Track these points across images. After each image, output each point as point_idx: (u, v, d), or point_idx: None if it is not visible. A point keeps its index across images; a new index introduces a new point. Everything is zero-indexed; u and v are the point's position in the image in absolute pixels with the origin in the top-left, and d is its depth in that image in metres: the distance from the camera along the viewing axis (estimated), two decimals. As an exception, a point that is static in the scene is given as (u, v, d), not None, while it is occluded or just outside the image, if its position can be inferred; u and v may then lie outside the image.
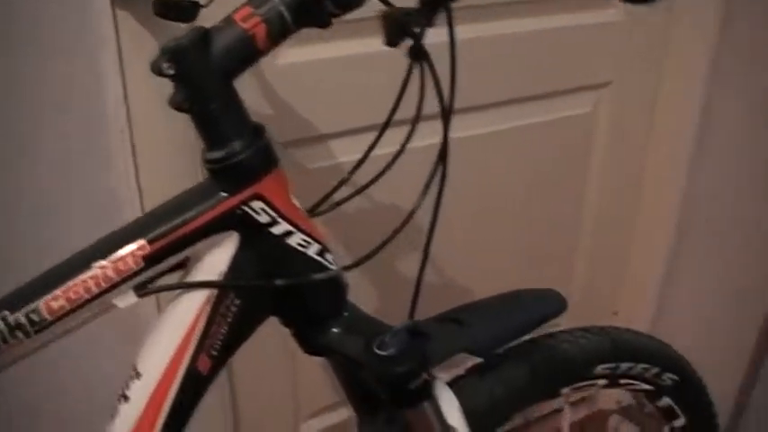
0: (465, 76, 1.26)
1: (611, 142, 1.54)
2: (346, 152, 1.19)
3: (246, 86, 1.04)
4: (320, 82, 1.13)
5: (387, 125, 0.79)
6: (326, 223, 1.09)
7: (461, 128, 1.29)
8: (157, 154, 1.04)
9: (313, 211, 0.82)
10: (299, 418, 1.42)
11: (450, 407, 0.81)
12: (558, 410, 1.12)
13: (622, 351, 1.01)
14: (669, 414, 1.17)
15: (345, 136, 1.20)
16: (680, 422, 1.18)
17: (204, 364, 0.71)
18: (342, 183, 0.84)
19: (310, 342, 0.77)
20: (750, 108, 1.57)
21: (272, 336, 1.11)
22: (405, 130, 0.76)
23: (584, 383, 1.00)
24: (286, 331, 0.80)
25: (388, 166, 0.77)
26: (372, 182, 0.79)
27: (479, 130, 1.34)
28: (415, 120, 0.75)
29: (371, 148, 0.80)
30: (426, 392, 0.74)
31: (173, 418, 0.72)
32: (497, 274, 1.39)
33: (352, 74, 1.13)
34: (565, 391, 0.98)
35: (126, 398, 0.71)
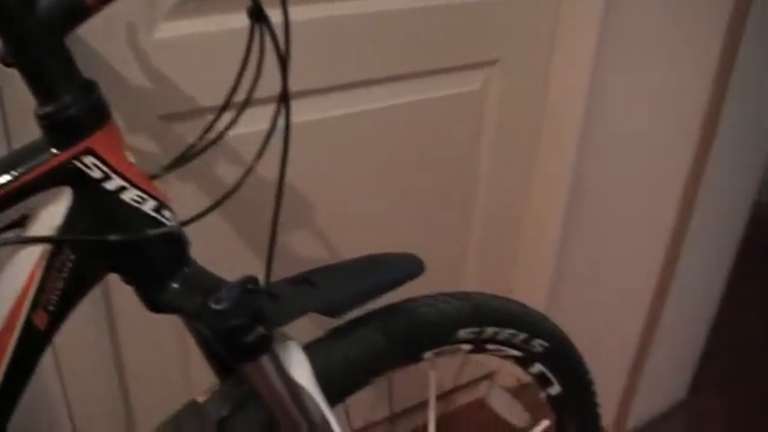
0: (349, 51, 1.29)
1: (502, 120, 1.56)
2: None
3: (124, 60, 1.06)
4: (198, 55, 1.14)
5: (233, 93, 0.82)
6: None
7: (348, 104, 1.31)
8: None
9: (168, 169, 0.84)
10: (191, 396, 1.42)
11: (300, 367, 0.83)
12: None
13: (486, 316, 1.03)
14: (543, 381, 1.19)
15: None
16: (555, 389, 1.21)
17: (41, 319, 0.72)
18: (191, 146, 0.85)
19: (151, 299, 0.78)
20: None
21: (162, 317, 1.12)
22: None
23: (447, 348, 1.01)
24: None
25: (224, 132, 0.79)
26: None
27: (366, 106, 1.36)
28: (252, 88, 0.77)
29: (216, 118, 0.83)
30: (264, 347, 0.76)
31: (12, 373, 0.73)
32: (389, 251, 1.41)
33: (230, 48, 1.15)
34: (427, 355, 0.99)
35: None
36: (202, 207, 0.81)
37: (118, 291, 1.26)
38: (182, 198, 1.09)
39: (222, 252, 1.15)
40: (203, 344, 0.87)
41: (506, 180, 1.69)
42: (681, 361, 2.08)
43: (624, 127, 1.65)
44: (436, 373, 1.06)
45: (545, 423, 1.25)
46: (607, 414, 1.92)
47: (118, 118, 0.76)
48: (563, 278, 1.91)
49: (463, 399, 1.98)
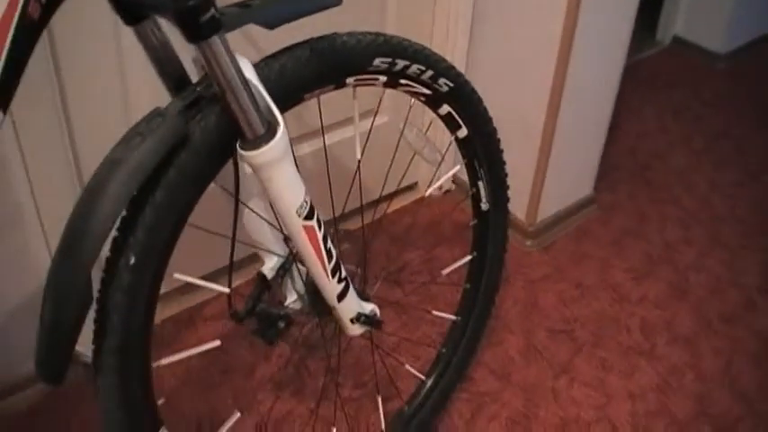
0: None
1: None
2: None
3: None
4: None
5: None
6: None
7: None
8: None
9: None
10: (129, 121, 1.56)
11: (246, 68, 1.00)
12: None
13: (398, 50, 1.20)
14: (452, 123, 1.38)
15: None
16: (463, 132, 1.40)
17: (35, 10, 0.85)
18: None
19: (125, 8, 0.95)
20: None
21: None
22: None
23: (366, 76, 1.20)
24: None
25: None
26: None
27: None
28: None
29: None
30: (215, 27, 0.92)
31: (9, 63, 0.87)
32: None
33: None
34: (349, 81, 1.18)
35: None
36: None
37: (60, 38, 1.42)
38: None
39: None
40: (156, 61, 1.04)
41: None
42: (583, 159, 2.31)
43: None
44: (357, 101, 1.24)
45: (457, 167, 1.45)
46: (519, 208, 2.16)
47: None
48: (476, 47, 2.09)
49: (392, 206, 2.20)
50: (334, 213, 1.31)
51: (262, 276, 1.26)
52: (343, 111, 1.35)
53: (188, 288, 1.88)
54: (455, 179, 2.38)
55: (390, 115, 2.07)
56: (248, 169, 1.09)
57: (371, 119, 1.66)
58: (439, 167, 1.47)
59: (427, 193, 2.13)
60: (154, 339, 1.04)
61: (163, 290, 1.03)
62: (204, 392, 1.71)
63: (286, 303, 1.28)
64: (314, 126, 1.70)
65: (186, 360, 1.69)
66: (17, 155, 1.41)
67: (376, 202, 1.40)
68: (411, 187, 2.32)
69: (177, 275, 1.07)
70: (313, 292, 1.27)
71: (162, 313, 1.85)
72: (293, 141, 1.08)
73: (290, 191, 1.04)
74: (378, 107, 1.42)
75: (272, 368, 1.79)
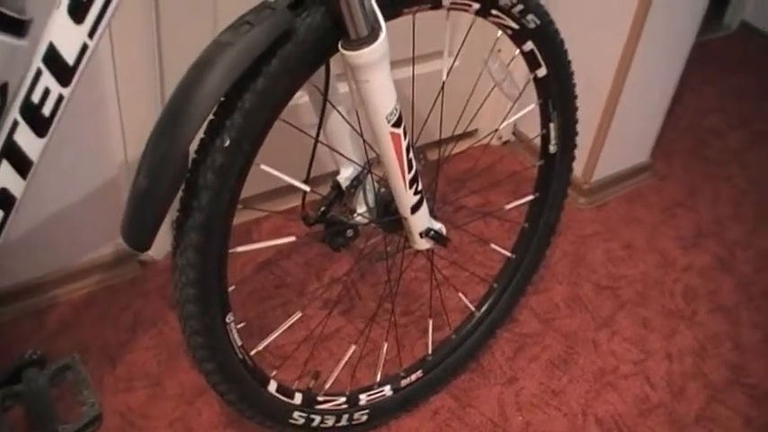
0: None
1: None
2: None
3: None
4: None
5: None
6: None
7: None
8: None
9: None
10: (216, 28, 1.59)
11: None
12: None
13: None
14: (533, 60, 1.41)
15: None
16: (542, 72, 1.43)
17: None
18: None
19: None
20: None
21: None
22: None
23: (461, 0, 1.23)
24: None
25: None
26: None
27: None
28: None
29: None
30: None
31: None
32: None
33: None
34: (445, 2, 1.20)
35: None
36: None
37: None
38: None
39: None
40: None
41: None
42: (644, 125, 2.33)
43: None
44: (449, 23, 1.27)
45: (531, 106, 1.48)
46: (576, 165, 2.18)
47: None
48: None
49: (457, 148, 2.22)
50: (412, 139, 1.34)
51: (336, 184, 1.31)
52: (426, 45, 1.38)
53: (257, 199, 1.93)
54: (515, 131, 2.41)
55: (464, 60, 2.09)
56: (341, 88, 1.12)
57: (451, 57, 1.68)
58: (514, 104, 1.50)
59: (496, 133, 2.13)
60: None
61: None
62: (256, 303, 1.76)
63: (356, 214, 1.32)
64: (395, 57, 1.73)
65: (240, 270, 1.75)
66: (107, 46, 1.46)
67: (439, 143, 1.42)
68: (471, 134, 2.34)
69: (263, 166, 1.11)
70: (384, 206, 1.31)
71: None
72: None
73: (384, 96, 1.08)
74: (465, 39, 1.43)
75: (324, 288, 1.83)
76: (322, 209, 1.28)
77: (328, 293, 1.81)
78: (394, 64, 1.06)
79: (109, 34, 1.45)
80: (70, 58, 0.91)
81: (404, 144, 1.13)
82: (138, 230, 1.00)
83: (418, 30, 1.25)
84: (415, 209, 1.24)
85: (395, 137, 1.12)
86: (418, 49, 1.30)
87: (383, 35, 1.02)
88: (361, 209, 1.33)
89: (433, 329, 1.60)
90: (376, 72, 1.04)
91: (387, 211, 1.31)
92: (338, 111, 1.22)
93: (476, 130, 2.36)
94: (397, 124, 1.11)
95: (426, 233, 1.28)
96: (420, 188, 1.22)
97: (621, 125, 2.13)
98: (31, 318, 1.66)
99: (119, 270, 1.77)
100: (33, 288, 1.68)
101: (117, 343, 1.64)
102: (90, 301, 1.73)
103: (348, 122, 1.23)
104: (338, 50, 1.05)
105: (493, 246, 1.58)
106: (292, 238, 1.26)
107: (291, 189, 1.27)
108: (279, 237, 1.89)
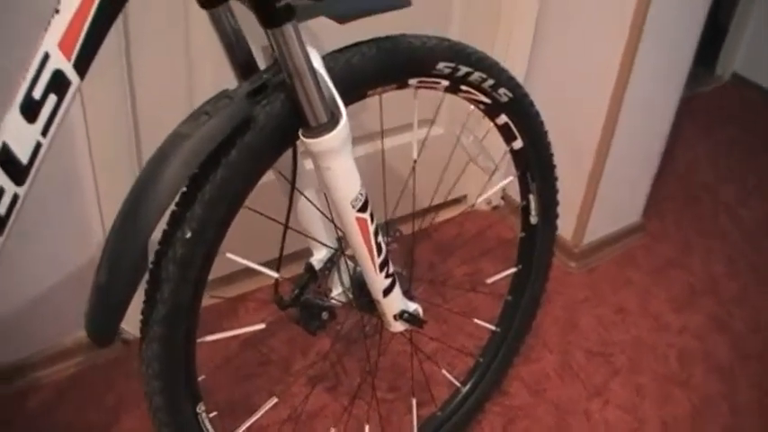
0: None
1: None
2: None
3: None
4: None
5: None
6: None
7: None
8: None
9: None
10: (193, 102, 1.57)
11: (315, 58, 1.03)
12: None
13: (462, 56, 1.22)
14: (508, 133, 1.40)
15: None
16: (518, 144, 1.42)
17: None
18: None
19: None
20: None
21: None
22: None
23: (429, 79, 1.22)
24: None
25: None
26: None
27: None
28: None
29: None
30: (289, 16, 0.95)
31: (92, 32, 0.90)
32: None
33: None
34: (412, 82, 1.20)
35: (57, 11, 0.90)
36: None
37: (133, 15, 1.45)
38: None
39: None
40: (227, 46, 1.07)
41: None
42: (634, 186, 2.31)
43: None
44: (417, 102, 1.26)
45: (509, 179, 1.47)
46: (566, 229, 2.16)
47: None
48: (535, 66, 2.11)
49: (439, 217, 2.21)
50: (386, 215, 1.33)
51: (310, 267, 1.29)
52: (400, 117, 1.37)
53: (230, 279, 1.91)
54: (504, 196, 2.39)
55: (446, 127, 2.09)
56: (308, 165, 1.11)
57: (427, 128, 1.68)
58: (490, 178, 1.48)
59: (478, 201, 2.13)
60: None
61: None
62: (241, 381, 1.74)
63: (331, 296, 1.30)
64: (369, 129, 1.72)
65: (225, 348, 1.73)
66: (82, 125, 1.46)
67: (424, 212, 1.41)
68: (459, 200, 2.33)
69: (229, 255, 1.09)
70: (359, 287, 1.29)
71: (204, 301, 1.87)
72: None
73: (347, 181, 1.07)
74: (435, 115, 1.43)
75: (309, 363, 1.80)
76: (296, 291, 1.26)
77: (313, 370, 1.78)
78: (385, 132, 1.03)
79: (83, 116, 1.45)
80: (24, 158, 0.90)
81: (371, 228, 1.12)
82: (99, 326, 0.98)
83: (401, 99, 1.25)
84: (387, 292, 1.22)
85: (361, 222, 1.10)
86: (400, 119, 1.29)
87: (344, 121, 1.01)
88: (337, 290, 1.30)
89: (418, 406, 1.57)
90: (338, 159, 1.03)
91: (362, 291, 1.28)
92: (306, 197, 1.20)
93: (464, 197, 2.34)
94: (362, 209, 1.09)
95: (401, 315, 1.26)
96: (391, 271, 1.20)
97: (610, 187, 2.11)
98: (13, 400, 1.63)
99: (101, 350, 1.74)
100: (15, 370, 1.66)
101: (100, 425, 1.61)
102: (73, 382, 1.71)
103: (316, 207, 1.22)
104: (299, 137, 1.03)
105: (476, 321, 1.55)
106: (262, 326, 1.23)
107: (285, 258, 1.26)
108: (263, 313, 1.87)
